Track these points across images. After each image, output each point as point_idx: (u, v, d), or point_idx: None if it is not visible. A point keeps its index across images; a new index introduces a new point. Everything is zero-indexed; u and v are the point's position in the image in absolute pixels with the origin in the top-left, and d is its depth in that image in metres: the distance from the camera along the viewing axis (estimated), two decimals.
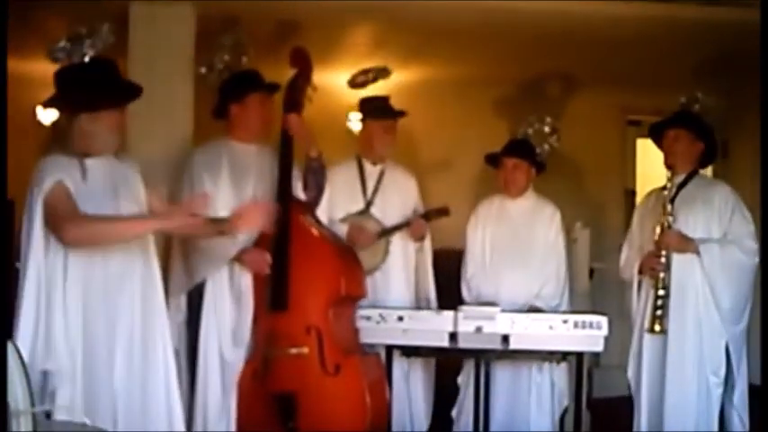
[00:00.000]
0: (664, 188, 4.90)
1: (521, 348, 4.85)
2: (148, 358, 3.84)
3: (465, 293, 5.40)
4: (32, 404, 2.85)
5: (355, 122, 5.52)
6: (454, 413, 5.39)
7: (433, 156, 7.78)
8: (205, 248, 4.64)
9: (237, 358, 4.65)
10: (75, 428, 3.24)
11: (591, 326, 4.80)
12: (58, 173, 3.70)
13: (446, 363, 5.45)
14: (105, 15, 4.77)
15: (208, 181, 4.76)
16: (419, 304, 5.42)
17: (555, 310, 5.20)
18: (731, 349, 4.79)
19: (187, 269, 4.68)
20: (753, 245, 4.85)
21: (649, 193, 5.26)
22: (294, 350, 4.56)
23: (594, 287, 6.93)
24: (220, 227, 4.10)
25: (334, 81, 6.33)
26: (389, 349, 5.00)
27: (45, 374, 3.61)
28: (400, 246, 5.41)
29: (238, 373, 4.64)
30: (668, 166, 4.94)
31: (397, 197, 5.47)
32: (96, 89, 3.81)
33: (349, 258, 4.84)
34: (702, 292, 4.80)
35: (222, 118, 4.89)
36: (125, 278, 3.81)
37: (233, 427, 4.63)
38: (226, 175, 4.80)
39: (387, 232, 5.36)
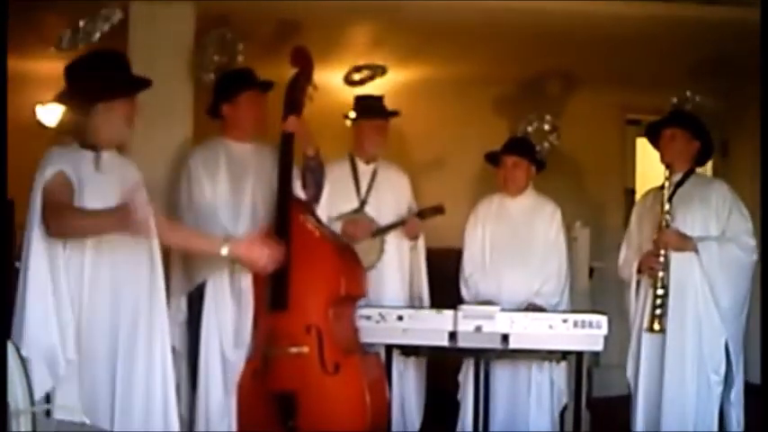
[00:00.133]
0: (661, 187, 4.91)
1: (520, 348, 4.85)
2: (148, 358, 3.85)
3: (464, 292, 5.40)
4: (32, 404, 2.85)
5: (348, 121, 5.50)
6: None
7: (433, 154, 7.78)
8: None
9: (239, 358, 4.65)
10: (75, 428, 3.24)
11: (590, 325, 4.80)
12: (60, 163, 3.73)
13: (446, 362, 5.45)
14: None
15: (206, 180, 4.77)
16: (412, 303, 5.43)
17: (555, 309, 5.20)
18: (731, 347, 4.80)
19: (187, 270, 4.68)
20: (751, 242, 4.86)
21: (647, 193, 5.27)
22: (294, 349, 4.56)
23: (594, 286, 6.93)
24: (214, 247, 4.09)
25: (334, 80, 6.33)
26: (389, 349, 5.00)
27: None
28: (395, 244, 5.42)
29: (240, 373, 4.64)
30: (665, 165, 4.94)
31: (391, 196, 5.47)
32: (110, 79, 3.84)
33: (349, 258, 4.84)
34: (701, 291, 4.81)
35: (216, 117, 4.90)
36: (132, 275, 3.82)
37: (234, 427, 4.64)
38: (224, 175, 4.80)
39: (382, 231, 5.37)
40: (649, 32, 6.27)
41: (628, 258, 5.06)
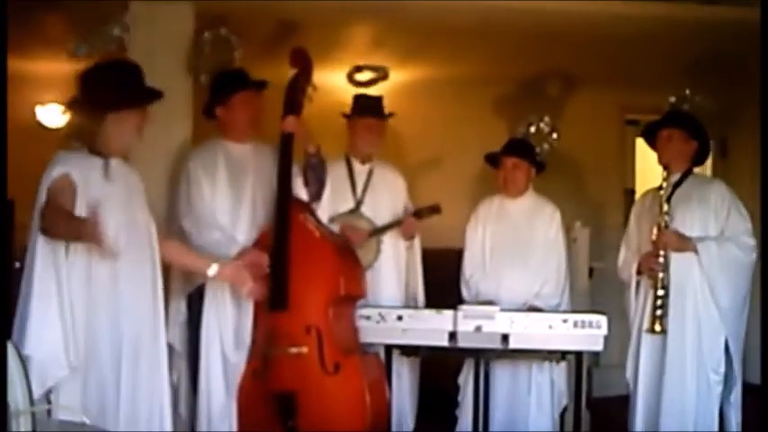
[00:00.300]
0: (659, 188, 4.91)
1: (520, 348, 4.85)
2: (149, 359, 3.88)
3: (464, 293, 5.41)
4: (32, 404, 2.85)
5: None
6: (458, 412, 5.39)
7: (433, 155, 7.79)
8: (205, 248, 4.65)
9: (239, 359, 4.65)
10: (75, 428, 3.24)
11: (590, 325, 4.80)
12: (67, 165, 3.75)
13: (446, 363, 5.45)
14: (105, 15, 4.80)
15: (205, 182, 4.77)
16: (408, 303, 5.43)
17: (555, 310, 5.20)
18: (731, 347, 4.80)
19: (187, 271, 4.68)
20: (750, 241, 4.86)
21: (645, 194, 5.28)
22: (294, 349, 4.56)
23: (594, 286, 6.93)
24: (203, 267, 4.21)
25: (334, 80, 6.33)
26: (389, 349, 5.01)
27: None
28: (391, 244, 5.42)
29: (240, 373, 4.64)
30: (663, 165, 4.95)
31: (387, 196, 5.48)
32: (123, 89, 3.86)
33: (349, 258, 4.84)
34: (701, 291, 4.81)
35: (212, 118, 4.91)
36: (134, 277, 3.86)
37: (235, 427, 4.64)
38: (223, 176, 4.80)
39: (378, 231, 5.37)
40: (649, 32, 6.27)
41: (627, 260, 5.06)
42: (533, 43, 6.58)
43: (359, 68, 5.45)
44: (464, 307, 4.93)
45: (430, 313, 4.93)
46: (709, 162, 8.37)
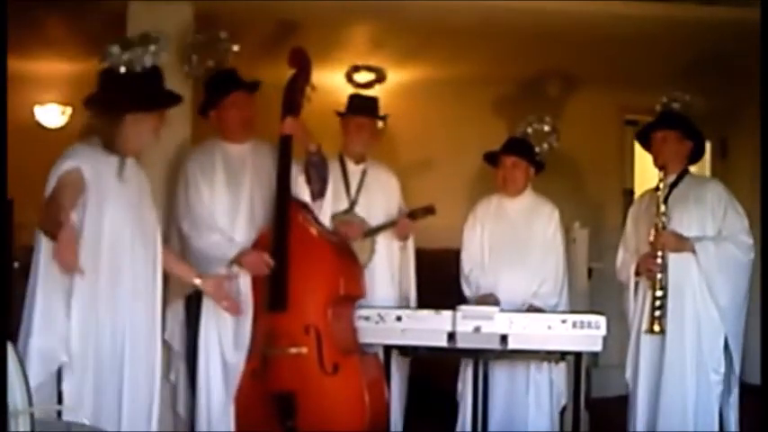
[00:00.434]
0: (656, 189, 4.91)
1: (519, 348, 4.85)
2: (144, 358, 3.89)
3: (465, 289, 5.40)
4: (30, 404, 2.85)
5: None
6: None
7: (432, 155, 7.79)
8: (204, 250, 4.65)
9: (238, 360, 4.64)
10: (74, 428, 3.24)
11: (589, 326, 4.79)
12: (79, 159, 3.76)
13: (445, 363, 5.45)
14: (104, 14, 4.80)
15: (203, 183, 4.77)
16: (400, 303, 5.42)
17: (553, 310, 5.20)
18: (732, 347, 4.80)
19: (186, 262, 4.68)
20: (748, 240, 4.86)
21: (642, 195, 5.28)
22: (293, 350, 4.56)
23: (593, 287, 6.94)
24: (190, 277, 4.29)
25: (333, 81, 6.33)
26: (388, 349, 5.01)
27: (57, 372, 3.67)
28: (385, 245, 5.41)
29: (240, 374, 4.64)
30: (659, 167, 4.95)
31: (381, 196, 5.47)
32: (142, 92, 3.86)
33: (348, 258, 4.84)
34: (700, 291, 4.81)
35: (207, 118, 4.92)
36: (137, 276, 3.87)
37: (234, 427, 4.64)
38: (221, 177, 4.80)
39: (373, 232, 5.37)
40: (649, 32, 6.27)
41: (625, 261, 5.06)
42: (533, 43, 6.58)
43: (356, 68, 5.43)
44: (463, 307, 4.93)
45: (429, 314, 4.92)
46: (708, 162, 8.41)
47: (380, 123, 5.41)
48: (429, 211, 5.41)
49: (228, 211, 4.78)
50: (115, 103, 3.85)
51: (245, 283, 4.65)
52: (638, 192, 6.98)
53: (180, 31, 5.41)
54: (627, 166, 8.38)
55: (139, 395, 3.87)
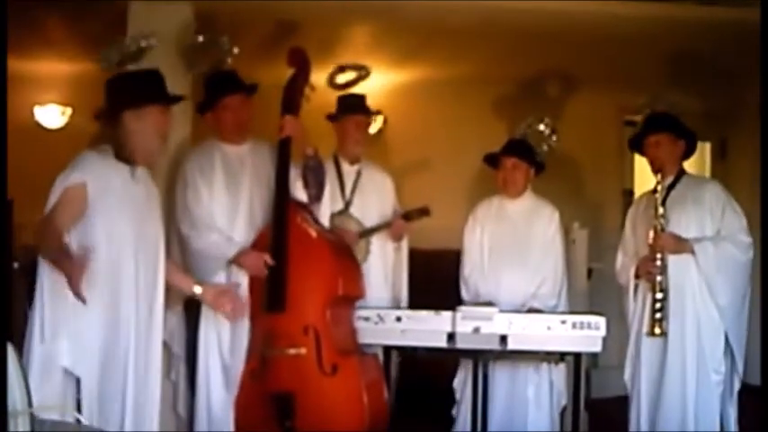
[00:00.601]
0: (654, 191, 4.91)
1: (519, 349, 4.85)
2: (144, 362, 3.91)
3: (463, 293, 5.40)
4: (30, 404, 2.85)
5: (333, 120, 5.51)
6: (454, 412, 5.39)
7: (431, 155, 7.79)
8: (203, 251, 4.65)
9: (238, 361, 4.64)
10: (73, 428, 3.24)
11: (589, 326, 4.79)
12: (88, 171, 3.78)
13: (444, 363, 5.45)
14: (104, 14, 4.81)
15: (202, 184, 4.77)
16: (392, 304, 5.42)
17: (553, 311, 5.20)
18: (733, 346, 4.80)
19: (185, 272, 4.68)
20: (746, 240, 4.87)
21: (640, 197, 5.30)
22: (292, 350, 4.55)
23: (592, 287, 6.94)
24: (189, 286, 4.35)
25: None
26: (387, 350, 5.01)
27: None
28: (379, 245, 5.42)
29: (239, 375, 4.64)
30: (655, 171, 4.96)
31: (376, 197, 5.48)
32: (140, 86, 3.89)
33: (347, 258, 4.84)
34: (699, 291, 4.82)
35: (205, 119, 4.92)
36: (141, 286, 3.89)
37: (233, 428, 4.64)
38: (220, 177, 4.81)
39: (368, 233, 5.37)
40: (649, 32, 6.27)
41: (624, 264, 5.06)
42: (533, 43, 6.58)
43: (342, 69, 5.42)
44: (462, 308, 4.93)
45: (428, 314, 4.91)
46: (708, 163, 8.41)
47: (379, 121, 5.43)
48: (424, 212, 5.41)
49: (227, 212, 4.78)
50: (116, 103, 3.87)
51: (243, 284, 4.66)
52: (637, 192, 6.98)
53: (180, 31, 5.41)
54: (626, 166, 8.37)
55: (142, 398, 3.88)
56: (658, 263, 4.80)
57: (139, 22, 5.35)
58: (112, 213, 3.79)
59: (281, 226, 4.63)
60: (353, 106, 5.44)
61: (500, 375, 5.23)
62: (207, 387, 4.70)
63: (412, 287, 5.56)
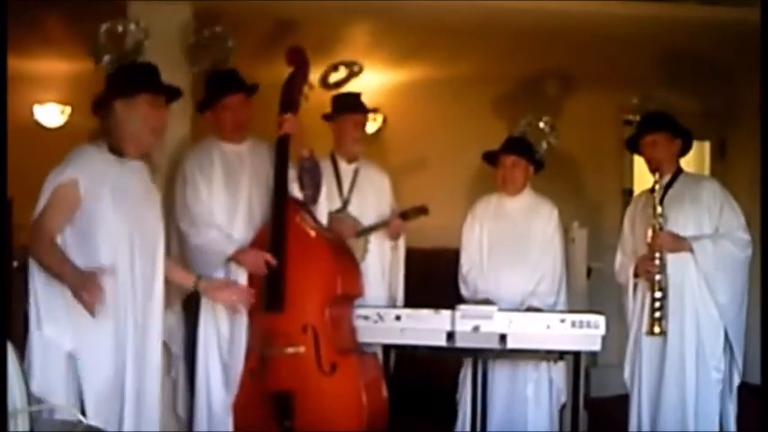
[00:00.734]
0: (651, 190, 4.91)
1: (518, 347, 4.85)
2: (149, 359, 3.91)
3: (462, 290, 5.41)
4: (29, 403, 2.86)
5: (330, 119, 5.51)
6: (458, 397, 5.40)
7: (431, 154, 7.79)
8: (202, 247, 4.65)
9: (237, 360, 4.64)
10: (73, 428, 3.24)
11: (588, 325, 4.79)
12: (77, 169, 3.77)
13: (444, 362, 5.45)
14: (103, 14, 4.79)
15: (201, 182, 4.77)
16: (388, 302, 5.41)
17: (552, 309, 5.20)
18: (733, 343, 4.80)
19: (185, 268, 4.68)
20: (745, 237, 4.87)
21: (638, 196, 5.30)
22: (290, 349, 4.55)
23: (592, 286, 6.94)
24: (190, 282, 4.37)
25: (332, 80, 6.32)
26: (387, 348, 5.01)
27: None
28: (377, 244, 5.42)
29: (239, 374, 4.64)
30: (653, 171, 4.96)
31: (373, 196, 5.48)
32: (132, 76, 3.91)
33: (345, 257, 4.84)
34: (699, 290, 4.82)
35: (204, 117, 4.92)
36: (146, 273, 3.91)
37: (232, 427, 4.64)
38: (219, 175, 4.81)
39: (366, 231, 5.37)
40: (648, 32, 6.27)
41: (624, 264, 5.07)
42: (532, 43, 6.58)
43: (335, 67, 5.41)
44: (462, 307, 4.93)
45: (428, 313, 4.91)
46: (707, 163, 8.42)
47: (379, 120, 5.42)
48: (422, 211, 5.41)
49: (227, 210, 4.78)
50: (107, 93, 3.89)
51: (242, 282, 4.65)
52: (637, 191, 6.98)
53: (180, 31, 5.41)
54: (626, 165, 8.37)
55: (142, 398, 3.89)
56: (657, 262, 4.80)
57: (138, 19, 5.35)
58: (107, 208, 3.78)
59: (280, 224, 4.63)
60: (350, 105, 5.44)
61: (500, 374, 5.23)
62: (206, 386, 4.70)
63: (411, 286, 5.56)
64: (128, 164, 3.92)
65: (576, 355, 4.94)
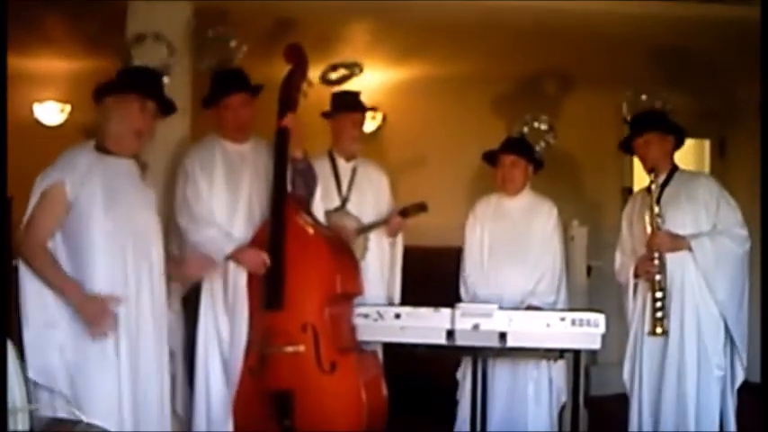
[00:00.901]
0: (648, 189, 4.91)
1: (518, 346, 4.85)
2: (144, 358, 3.91)
3: (462, 293, 5.40)
4: (29, 402, 2.86)
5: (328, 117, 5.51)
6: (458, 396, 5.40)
7: (431, 153, 7.79)
8: (200, 244, 4.65)
9: (236, 359, 4.64)
10: (72, 427, 3.24)
11: (588, 323, 4.79)
12: (64, 171, 3.77)
13: (444, 361, 5.45)
14: (103, 13, 4.80)
15: (202, 180, 4.77)
16: (386, 301, 5.41)
17: (552, 307, 5.20)
18: (735, 339, 4.80)
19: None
20: (742, 233, 4.87)
21: (634, 196, 5.30)
22: (290, 348, 4.55)
23: (592, 285, 6.94)
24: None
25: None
26: (386, 347, 5.00)
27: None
28: (376, 242, 5.42)
29: (238, 372, 4.64)
30: (648, 171, 4.96)
31: (372, 194, 5.47)
32: (128, 77, 3.92)
33: (345, 256, 4.84)
34: (698, 287, 4.82)
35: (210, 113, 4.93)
36: (140, 271, 3.90)
37: (231, 427, 4.64)
38: (220, 173, 4.80)
39: (365, 229, 5.37)
40: (648, 32, 6.27)
41: (623, 263, 5.07)
42: (532, 42, 6.58)
43: (335, 67, 5.41)
44: (462, 305, 4.93)
45: (428, 311, 4.91)
46: (707, 162, 8.42)
47: (378, 119, 5.41)
48: (421, 207, 5.41)
49: (226, 208, 4.77)
50: (101, 86, 3.92)
51: (241, 281, 4.65)
52: (636, 189, 6.98)
53: (180, 31, 5.41)
54: (625, 164, 8.36)
55: (141, 397, 3.89)
56: (656, 262, 4.80)
57: (139, 20, 5.35)
58: (96, 207, 3.77)
59: (279, 222, 4.63)
60: (349, 104, 5.44)
61: (500, 372, 5.23)
62: (206, 385, 4.69)
63: (410, 284, 5.55)
64: (115, 162, 3.90)
65: (576, 353, 4.94)
